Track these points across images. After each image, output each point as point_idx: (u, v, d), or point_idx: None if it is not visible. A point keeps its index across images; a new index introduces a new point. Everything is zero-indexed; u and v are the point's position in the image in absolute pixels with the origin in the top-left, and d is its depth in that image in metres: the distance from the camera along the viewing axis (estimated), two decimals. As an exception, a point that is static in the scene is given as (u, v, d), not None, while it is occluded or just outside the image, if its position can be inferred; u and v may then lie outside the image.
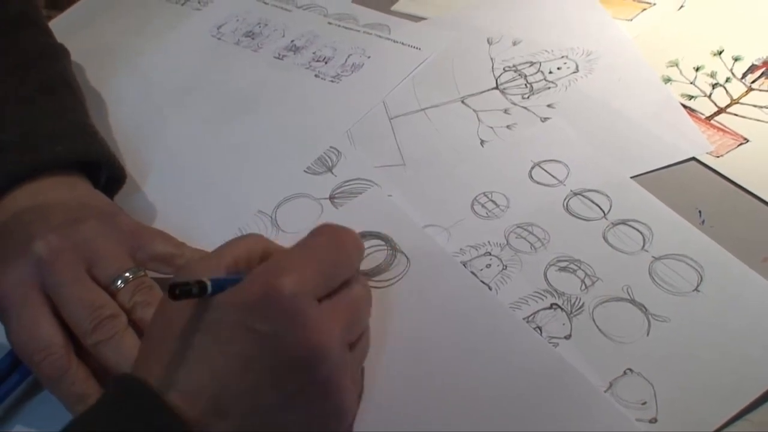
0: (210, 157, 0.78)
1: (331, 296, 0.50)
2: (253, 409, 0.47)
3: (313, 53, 0.87)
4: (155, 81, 0.88)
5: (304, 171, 0.74)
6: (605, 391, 0.54)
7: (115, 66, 0.91)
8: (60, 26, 0.87)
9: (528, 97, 0.77)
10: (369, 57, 0.85)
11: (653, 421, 0.52)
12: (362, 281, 0.54)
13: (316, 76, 0.84)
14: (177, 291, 0.44)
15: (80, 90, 0.80)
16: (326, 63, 0.85)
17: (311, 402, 0.48)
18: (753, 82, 0.74)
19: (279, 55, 0.88)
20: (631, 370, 0.55)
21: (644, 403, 0.53)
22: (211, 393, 0.46)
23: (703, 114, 0.72)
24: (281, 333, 0.46)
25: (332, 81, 0.83)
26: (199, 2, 0.99)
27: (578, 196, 0.67)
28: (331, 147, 0.76)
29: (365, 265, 0.64)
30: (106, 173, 0.71)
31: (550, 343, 0.57)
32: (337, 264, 0.52)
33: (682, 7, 0.83)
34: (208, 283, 0.46)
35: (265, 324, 0.46)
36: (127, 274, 0.61)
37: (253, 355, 0.46)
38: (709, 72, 0.76)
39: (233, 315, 0.47)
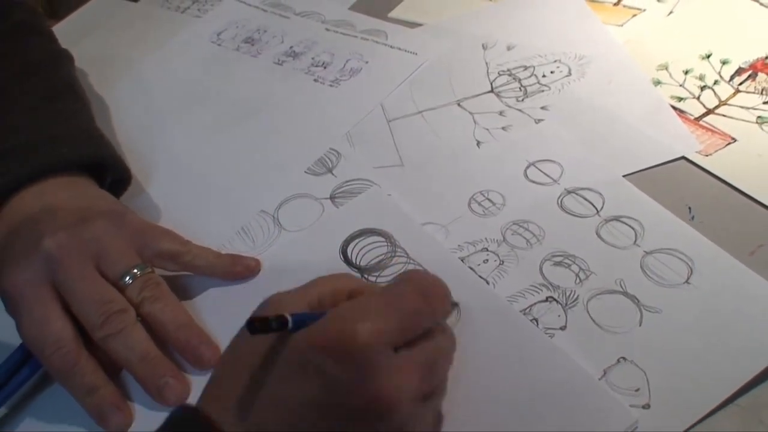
0: (212, 159, 0.80)
1: (410, 345, 0.48)
2: None
3: (312, 59, 0.89)
4: (157, 87, 0.90)
5: (305, 172, 0.76)
6: (599, 379, 0.56)
7: (118, 73, 0.93)
8: (61, 34, 0.88)
9: (522, 100, 0.79)
10: (367, 62, 0.87)
11: (646, 406, 0.54)
12: (447, 331, 0.53)
13: (315, 80, 0.86)
14: (256, 325, 0.44)
15: (85, 94, 0.82)
16: (325, 68, 0.87)
17: None
18: (740, 84, 0.76)
19: (278, 60, 0.90)
20: (624, 358, 0.57)
21: (637, 390, 0.55)
22: (274, 429, 0.46)
23: (692, 115, 0.74)
24: (352, 380, 0.44)
25: (331, 85, 0.85)
26: (198, 10, 1.01)
27: (572, 194, 0.69)
28: (330, 149, 0.78)
29: (366, 262, 0.66)
30: (112, 175, 0.73)
31: (546, 333, 0.59)
32: (420, 314, 0.49)
33: (671, 12, 0.86)
34: (290, 319, 0.45)
35: (336, 367, 0.44)
36: (135, 271, 0.63)
37: (320, 396, 0.45)
38: (698, 75, 0.78)
39: (306, 355, 0.45)
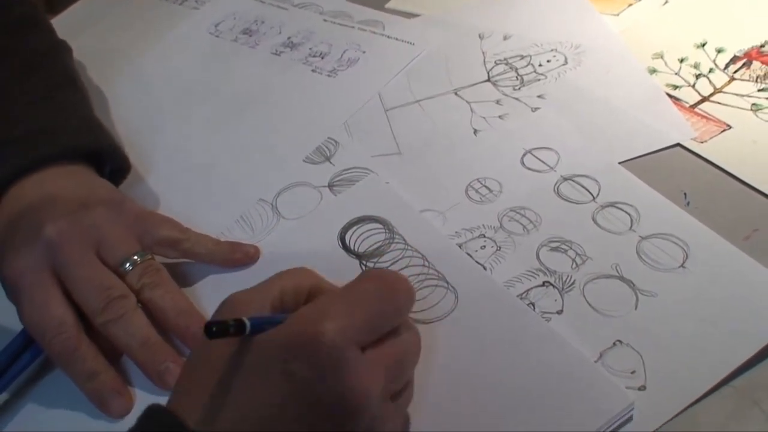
0: (211, 149, 0.80)
1: (376, 344, 0.47)
2: None
3: (310, 49, 0.90)
4: (156, 78, 0.91)
5: (303, 161, 0.77)
6: (596, 362, 0.57)
7: (116, 65, 0.93)
8: (60, 27, 0.89)
9: (519, 89, 0.80)
10: (364, 52, 0.88)
11: (642, 388, 0.55)
12: (412, 328, 0.51)
13: (312, 71, 0.87)
14: (213, 329, 0.43)
15: (83, 85, 0.82)
16: (322, 58, 0.88)
17: None
18: (735, 72, 0.77)
19: (276, 51, 0.91)
20: (620, 341, 0.57)
21: (633, 372, 0.56)
22: None
23: (687, 103, 0.75)
24: (320, 381, 0.44)
25: (329, 75, 0.86)
26: (196, 1, 1.01)
27: (568, 180, 0.69)
28: (328, 138, 0.78)
29: (364, 248, 0.66)
30: (111, 164, 0.74)
31: (542, 317, 0.59)
32: (385, 312, 0.48)
33: (666, 2, 0.87)
34: (247, 324, 0.44)
35: (303, 370, 0.44)
36: (135, 257, 0.63)
37: (289, 401, 0.44)
38: (693, 63, 0.79)
39: (271, 358, 0.45)
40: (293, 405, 0.44)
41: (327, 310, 0.46)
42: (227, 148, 0.80)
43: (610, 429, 0.53)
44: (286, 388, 0.44)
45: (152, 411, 0.46)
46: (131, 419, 0.58)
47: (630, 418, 0.53)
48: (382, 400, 0.46)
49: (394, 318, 0.49)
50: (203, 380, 0.47)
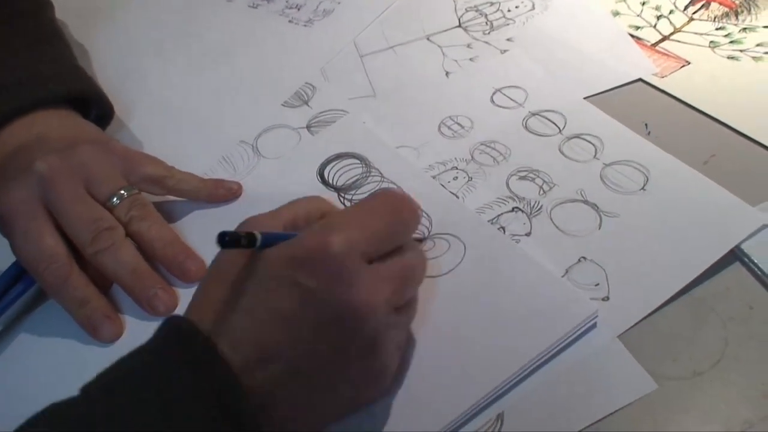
0: (192, 96, 0.82)
1: (383, 259, 0.49)
2: (295, 361, 0.46)
3: (286, 1, 0.92)
4: (135, 33, 0.93)
5: (282, 105, 0.79)
6: (562, 276, 0.60)
7: (95, 21, 0.95)
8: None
9: (489, 33, 0.83)
10: (339, 3, 0.90)
11: (605, 299, 0.58)
12: (417, 249, 0.53)
13: (289, 21, 0.89)
14: (226, 238, 0.45)
15: (66, 38, 0.84)
16: (299, 10, 0.91)
17: (351, 360, 0.47)
18: (694, 13, 0.81)
19: (253, 4, 0.93)
20: (584, 258, 0.61)
21: (597, 285, 0.59)
22: (254, 342, 0.46)
23: (648, 42, 0.79)
24: (326, 290, 0.45)
25: (305, 26, 0.88)
26: (173, -41, 1.03)
27: (536, 116, 0.73)
28: (306, 83, 0.81)
29: (342, 182, 0.69)
30: (96, 110, 0.76)
31: (512, 239, 0.63)
32: (391, 228, 0.50)
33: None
34: (258, 236, 0.46)
35: (310, 279, 0.45)
36: (122, 192, 0.65)
37: (295, 308, 0.46)
38: (654, 5, 0.83)
39: (280, 268, 0.46)
40: (301, 312, 0.46)
41: (336, 223, 0.48)
42: (207, 95, 0.82)
43: (576, 335, 0.56)
44: (295, 296, 0.46)
45: (170, 320, 0.48)
46: (122, 350, 0.60)
47: (594, 325, 0.56)
48: (386, 311, 0.47)
49: (401, 233, 0.51)
50: (217, 291, 0.49)
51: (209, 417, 0.43)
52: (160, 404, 0.44)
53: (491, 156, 0.70)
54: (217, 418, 0.43)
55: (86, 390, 0.45)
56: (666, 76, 0.74)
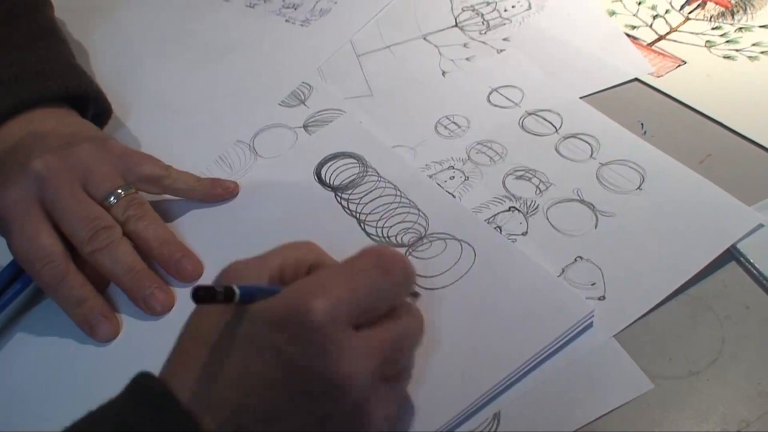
0: (190, 96, 0.83)
1: (373, 324, 0.46)
2: (273, 427, 0.44)
3: (283, 1, 0.92)
4: (134, 33, 0.93)
5: (279, 104, 0.79)
6: (558, 276, 0.60)
7: (94, 20, 0.95)
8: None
9: (485, 33, 0.83)
10: (336, 3, 0.90)
11: (602, 298, 0.58)
12: (413, 312, 0.49)
13: (286, 21, 0.89)
14: (200, 293, 0.42)
15: (64, 37, 0.84)
16: (295, 9, 0.91)
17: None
18: (690, 12, 0.81)
19: (250, 4, 0.93)
20: (581, 257, 0.61)
21: (593, 284, 0.59)
22: (231, 407, 0.44)
23: (644, 41, 0.79)
24: (307, 358, 0.43)
25: (302, 25, 0.88)
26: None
27: (532, 115, 0.73)
28: (303, 83, 0.81)
29: (339, 181, 0.69)
30: (93, 108, 0.76)
31: (509, 238, 0.63)
32: (381, 291, 0.46)
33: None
34: (237, 291, 0.43)
35: (291, 346, 0.43)
36: (119, 191, 0.66)
37: (276, 375, 0.43)
38: (651, 5, 0.83)
39: (262, 332, 0.44)
40: (281, 380, 0.43)
41: (320, 284, 0.45)
42: (204, 95, 0.82)
43: (572, 334, 0.56)
44: (277, 363, 0.43)
45: (140, 377, 0.45)
46: (118, 349, 0.61)
47: (590, 325, 0.56)
48: (371, 383, 0.44)
49: (391, 296, 0.48)
50: (196, 350, 0.46)
51: None
52: None
53: (488, 155, 0.70)
54: None
55: None
56: (662, 75, 0.74)
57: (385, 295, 0.47)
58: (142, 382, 0.45)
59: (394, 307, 0.48)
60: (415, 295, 0.53)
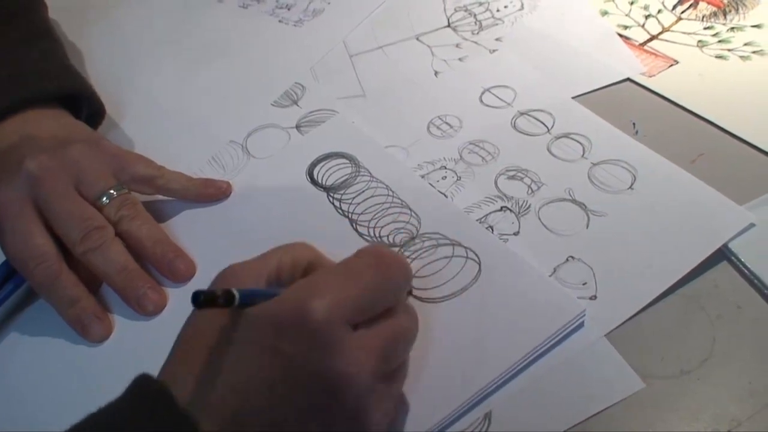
0: (183, 96, 0.83)
1: (370, 323, 0.46)
2: (273, 429, 0.44)
3: (276, 1, 0.93)
4: (128, 33, 0.93)
5: (271, 105, 0.79)
6: (550, 276, 0.60)
7: (89, 21, 0.95)
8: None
9: (477, 33, 0.83)
10: (329, 3, 0.91)
11: (593, 298, 0.58)
12: (410, 311, 0.51)
13: (279, 21, 0.90)
14: (201, 298, 0.42)
15: (59, 37, 0.84)
16: (289, 9, 0.91)
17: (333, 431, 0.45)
18: (683, 12, 0.81)
19: (243, 4, 0.93)
20: (572, 257, 0.61)
21: (585, 284, 0.59)
22: (232, 409, 0.44)
23: (637, 41, 0.79)
24: (307, 358, 0.43)
25: (295, 25, 0.89)
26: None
27: (524, 115, 0.73)
28: (295, 83, 0.81)
29: (332, 182, 0.69)
30: (87, 109, 0.76)
31: (500, 238, 0.63)
32: (379, 290, 0.47)
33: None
34: (236, 295, 0.43)
35: (291, 346, 0.43)
36: (112, 191, 0.66)
37: (276, 376, 0.43)
38: (643, 5, 0.83)
39: (261, 332, 0.44)
40: (281, 381, 0.44)
41: (318, 285, 0.45)
42: (198, 95, 0.82)
43: (564, 334, 0.56)
44: (275, 363, 0.43)
45: (140, 379, 0.45)
46: (111, 350, 0.62)
47: (582, 324, 0.57)
48: (372, 380, 0.45)
49: (389, 295, 0.48)
50: (195, 352, 0.46)
51: None
52: None
53: (480, 155, 0.70)
54: None
55: None
56: (654, 75, 0.74)
57: (383, 295, 0.48)
58: (142, 384, 0.45)
59: (390, 306, 0.48)
60: (409, 291, 0.55)
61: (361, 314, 0.46)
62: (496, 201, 0.66)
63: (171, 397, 0.43)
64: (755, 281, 0.58)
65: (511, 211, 0.65)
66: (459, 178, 0.68)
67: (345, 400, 0.44)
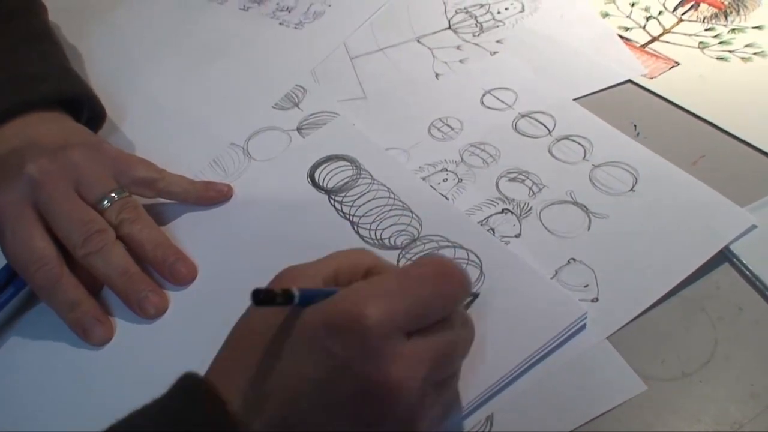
0: (183, 98, 0.83)
1: (425, 332, 0.45)
2: (320, 429, 0.44)
3: (277, 3, 0.92)
4: (128, 35, 0.93)
5: (272, 107, 0.79)
6: (551, 278, 0.60)
7: (89, 23, 0.95)
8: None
9: (478, 35, 0.83)
10: (330, 5, 0.90)
11: (595, 300, 0.58)
12: (468, 321, 0.50)
13: (280, 24, 0.90)
14: (261, 296, 0.42)
15: (58, 40, 0.84)
16: (289, 12, 0.91)
17: None
18: (684, 14, 0.81)
19: (244, 6, 0.93)
20: (574, 259, 0.61)
21: (586, 286, 0.59)
22: (279, 409, 0.44)
23: (638, 43, 0.79)
24: (359, 364, 0.42)
25: (296, 28, 0.89)
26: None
27: (526, 117, 0.73)
28: (296, 85, 0.81)
29: (333, 184, 0.69)
30: (87, 112, 0.76)
31: (502, 240, 0.63)
32: (435, 300, 0.46)
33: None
34: (296, 294, 0.43)
35: (344, 351, 0.43)
36: (113, 194, 0.66)
37: (329, 378, 0.43)
38: (644, 6, 0.83)
39: (316, 333, 0.43)
40: (331, 384, 0.43)
41: (376, 291, 0.45)
42: (198, 97, 0.82)
43: (565, 336, 0.56)
44: (326, 366, 0.43)
45: (186, 377, 0.45)
46: (112, 353, 0.61)
47: (583, 327, 0.57)
48: (422, 390, 0.44)
49: (446, 306, 0.47)
50: (247, 348, 0.46)
51: None
52: None
53: (481, 158, 0.70)
54: None
55: None
56: (655, 77, 0.74)
57: (440, 304, 0.47)
58: (187, 382, 0.45)
59: (445, 315, 0.47)
60: (476, 295, 0.57)
61: (416, 323, 0.45)
62: (498, 203, 0.66)
63: (218, 396, 0.44)
64: (757, 283, 0.58)
65: (512, 213, 0.65)
66: (460, 181, 0.68)
67: (395, 407, 0.43)
